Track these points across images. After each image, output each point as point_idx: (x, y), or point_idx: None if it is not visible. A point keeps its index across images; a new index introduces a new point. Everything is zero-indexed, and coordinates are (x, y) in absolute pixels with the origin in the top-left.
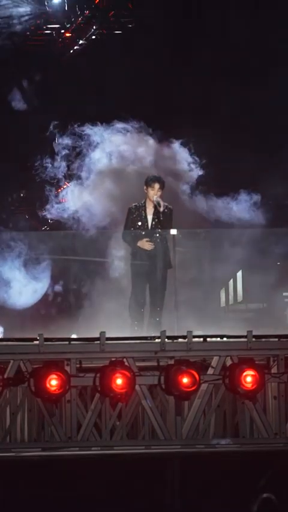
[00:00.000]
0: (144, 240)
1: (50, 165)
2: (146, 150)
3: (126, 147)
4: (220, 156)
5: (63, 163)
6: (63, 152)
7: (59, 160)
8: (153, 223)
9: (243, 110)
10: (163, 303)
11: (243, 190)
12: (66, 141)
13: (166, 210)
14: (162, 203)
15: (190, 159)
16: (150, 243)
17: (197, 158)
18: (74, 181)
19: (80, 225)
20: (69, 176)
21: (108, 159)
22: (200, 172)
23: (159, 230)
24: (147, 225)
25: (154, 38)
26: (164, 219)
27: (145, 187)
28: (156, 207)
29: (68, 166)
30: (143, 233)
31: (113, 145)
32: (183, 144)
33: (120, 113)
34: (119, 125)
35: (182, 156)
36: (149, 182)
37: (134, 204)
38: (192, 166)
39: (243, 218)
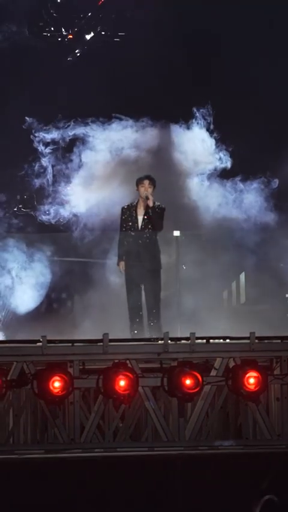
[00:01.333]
0: (121, 263)
1: (40, 170)
2: (150, 141)
3: (131, 140)
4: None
5: (50, 167)
6: (48, 150)
7: (45, 163)
8: (143, 223)
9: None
10: (159, 304)
11: (260, 177)
12: (51, 135)
13: (157, 210)
14: (151, 198)
15: (213, 146)
16: (122, 269)
17: (223, 146)
18: (75, 180)
19: (83, 226)
20: (63, 177)
21: (110, 154)
22: (227, 160)
23: (149, 230)
24: (137, 225)
25: (155, 37)
26: (154, 216)
27: (136, 188)
28: (147, 206)
29: (53, 166)
30: (133, 234)
31: (114, 140)
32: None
33: (122, 109)
34: (120, 121)
35: (200, 142)
36: (139, 181)
37: (126, 204)
38: (220, 155)
39: (255, 207)
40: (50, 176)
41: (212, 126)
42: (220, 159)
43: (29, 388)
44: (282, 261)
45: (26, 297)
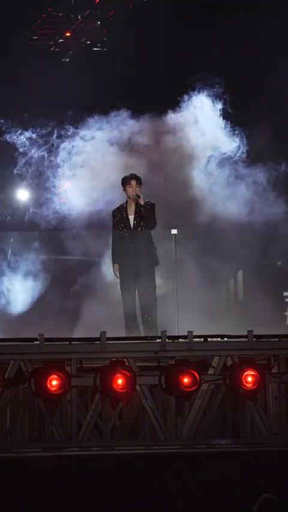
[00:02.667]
0: (115, 266)
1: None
2: (149, 129)
3: (130, 130)
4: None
5: (34, 164)
6: (22, 149)
7: (22, 164)
8: (135, 222)
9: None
10: (153, 302)
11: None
12: (23, 137)
13: (148, 207)
14: (142, 196)
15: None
16: (116, 271)
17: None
18: (72, 176)
19: (80, 223)
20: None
21: (109, 146)
22: (244, 147)
23: (142, 228)
24: (129, 225)
25: (154, 37)
26: (145, 213)
27: (123, 189)
28: (137, 204)
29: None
30: (126, 234)
31: (113, 131)
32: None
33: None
34: (119, 111)
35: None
36: (125, 181)
37: (116, 207)
38: (237, 140)
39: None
40: (32, 173)
41: (223, 95)
42: (238, 147)
43: (26, 387)
44: (280, 258)
45: (20, 295)
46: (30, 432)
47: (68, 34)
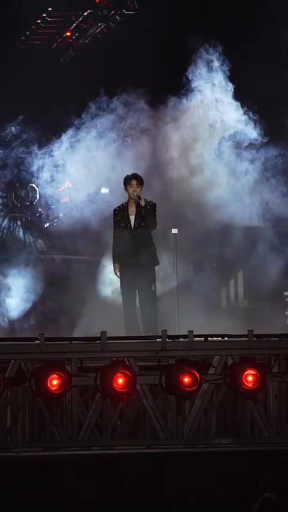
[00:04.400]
0: (116, 266)
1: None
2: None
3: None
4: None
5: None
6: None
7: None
8: (136, 222)
9: None
10: (153, 302)
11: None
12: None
13: (149, 207)
14: (142, 197)
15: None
16: (116, 271)
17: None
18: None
19: (81, 222)
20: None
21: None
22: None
23: (142, 228)
24: (130, 225)
25: (155, 37)
26: (146, 214)
27: (124, 188)
28: (138, 204)
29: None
30: (126, 234)
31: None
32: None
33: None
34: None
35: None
36: (126, 181)
37: (117, 206)
38: (252, 125)
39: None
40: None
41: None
42: (258, 138)
43: (26, 386)
44: (280, 258)
45: (21, 295)
46: (31, 432)
47: (68, 34)
